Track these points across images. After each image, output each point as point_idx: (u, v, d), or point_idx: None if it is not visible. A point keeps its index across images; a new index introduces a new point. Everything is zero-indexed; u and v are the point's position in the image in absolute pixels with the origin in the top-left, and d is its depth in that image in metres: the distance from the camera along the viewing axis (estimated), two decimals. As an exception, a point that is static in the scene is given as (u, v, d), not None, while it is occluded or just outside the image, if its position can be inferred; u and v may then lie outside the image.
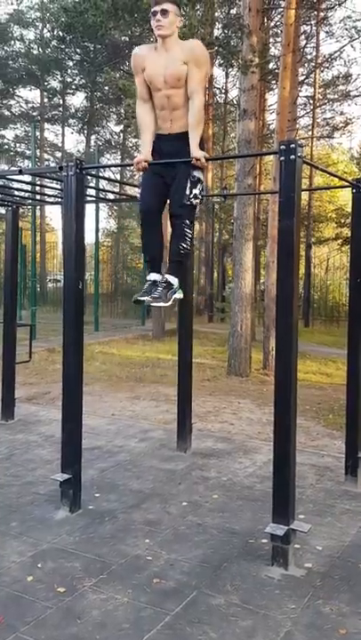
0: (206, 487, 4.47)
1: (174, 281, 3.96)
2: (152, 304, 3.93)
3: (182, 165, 3.78)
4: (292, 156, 3.12)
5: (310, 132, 22.50)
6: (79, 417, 3.98)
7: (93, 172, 5.47)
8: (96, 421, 6.25)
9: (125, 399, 7.63)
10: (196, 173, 3.84)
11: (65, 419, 3.96)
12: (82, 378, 4.02)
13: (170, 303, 3.93)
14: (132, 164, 3.91)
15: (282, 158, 3.15)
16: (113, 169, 27.08)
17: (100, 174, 6.25)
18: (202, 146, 3.81)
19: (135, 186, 4.88)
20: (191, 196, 3.83)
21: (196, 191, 3.83)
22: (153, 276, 4.00)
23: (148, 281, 3.99)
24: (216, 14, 18.57)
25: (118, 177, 26.33)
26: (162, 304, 3.88)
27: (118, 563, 3.27)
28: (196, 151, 3.70)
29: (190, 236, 3.93)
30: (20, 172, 4.31)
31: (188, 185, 3.81)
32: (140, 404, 7.35)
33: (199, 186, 3.86)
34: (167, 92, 3.76)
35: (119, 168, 27.18)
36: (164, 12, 3.65)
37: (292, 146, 3.12)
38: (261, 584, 3.08)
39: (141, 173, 4.02)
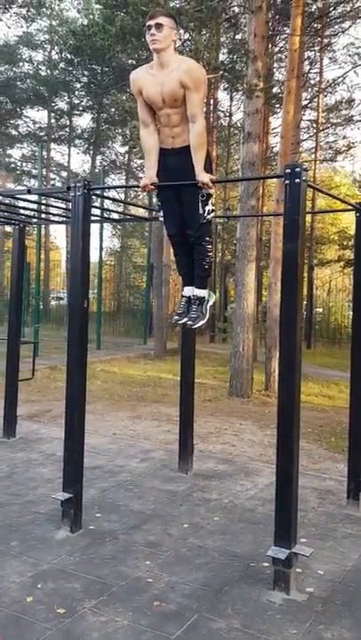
0: (207, 509, 4.44)
1: (204, 293, 4.18)
2: (194, 326, 4.21)
3: (190, 186, 3.83)
4: (297, 180, 3.16)
5: (313, 155, 22.74)
6: (81, 436, 3.98)
7: (99, 193, 5.53)
8: (97, 440, 6.23)
9: (127, 418, 7.61)
10: (205, 190, 3.88)
11: (67, 437, 3.95)
12: (85, 396, 4.02)
13: (207, 317, 4.20)
14: (139, 186, 3.97)
15: (287, 182, 3.19)
16: (117, 189, 27.33)
17: (105, 194, 6.32)
18: (209, 166, 3.85)
19: (140, 206, 4.95)
20: (205, 213, 3.91)
21: (208, 207, 3.90)
22: (187, 291, 4.24)
23: (183, 297, 4.26)
24: (222, 39, 18.90)
25: (123, 197, 26.57)
26: (202, 322, 4.15)
27: (119, 584, 3.24)
28: (201, 175, 3.74)
29: (210, 250, 4.09)
30: (29, 192, 4.37)
31: (200, 205, 3.87)
32: (141, 424, 7.33)
33: (210, 201, 3.93)
34: (167, 110, 3.79)
35: (123, 188, 27.43)
36: (159, 26, 3.62)
37: (298, 170, 3.17)
38: (263, 608, 3.05)
39: (155, 201, 4.17)
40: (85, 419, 4.08)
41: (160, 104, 3.78)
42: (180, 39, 16.62)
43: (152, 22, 3.64)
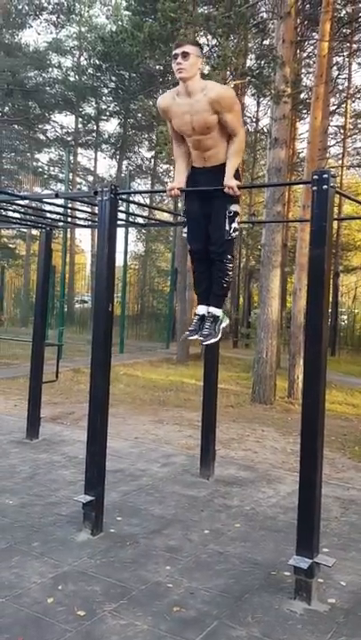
0: (228, 515, 4.42)
1: (219, 312, 4.14)
2: (205, 343, 4.19)
3: (218, 201, 3.87)
4: (325, 186, 3.14)
5: (340, 161, 22.57)
6: (104, 439, 3.99)
7: (126, 197, 5.56)
8: (119, 444, 6.25)
9: (149, 422, 7.62)
10: (233, 207, 3.92)
11: (90, 440, 3.97)
12: (108, 400, 4.04)
13: (219, 336, 4.15)
14: (165, 191, 4.00)
15: (314, 188, 3.17)
16: (143, 194, 27.43)
17: (131, 199, 6.35)
18: (237, 176, 3.87)
19: (165, 211, 4.98)
20: (231, 230, 3.93)
21: (234, 225, 3.92)
22: (201, 310, 4.20)
23: (197, 315, 4.20)
24: (249, 45, 18.90)
25: (148, 201, 26.67)
26: (213, 340, 4.13)
27: (139, 589, 3.24)
28: (231, 180, 3.76)
29: (231, 269, 4.07)
30: (57, 196, 4.42)
31: (227, 221, 3.90)
32: (163, 428, 7.33)
33: (236, 219, 3.94)
34: (197, 137, 3.84)
35: (149, 193, 27.58)
36: (185, 55, 3.66)
37: (325, 176, 3.15)
38: (283, 618, 3.02)
39: (180, 206, 4.15)
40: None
41: (190, 132, 3.85)
42: (208, 45, 16.67)
43: (179, 51, 3.68)
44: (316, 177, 3.17)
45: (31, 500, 4.51)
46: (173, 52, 3.71)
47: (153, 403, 9.13)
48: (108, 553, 3.66)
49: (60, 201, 6.09)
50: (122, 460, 5.66)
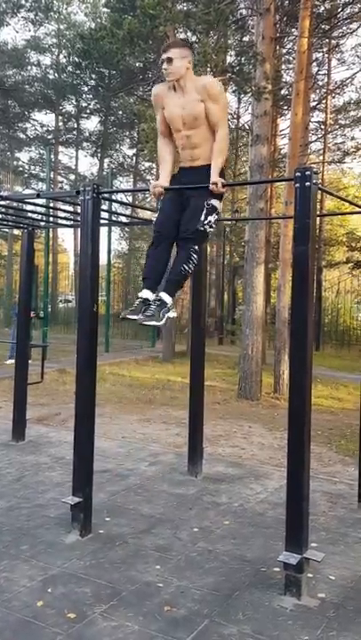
0: (217, 513, 4.42)
1: (169, 300, 3.79)
2: (144, 322, 3.71)
3: (200, 191, 3.81)
4: (308, 183, 3.15)
5: (322, 157, 22.68)
6: (91, 440, 3.97)
7: (108, 196, 5.53)
8: (106, 444, 6.23)
9: (136, 421, 7.61)
10: (212, 201, 3.83)
11: (77, 441, 3.95)
12: (94, 401, 4.02)
13: (162, 322, 3.75)
14: (149, 189, 3.97)
15: (297, 185, 3.18)
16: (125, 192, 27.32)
17: (114, 197, 6.31)
18: (222, 175, 3.86)
19: (147, 209, 4.91)
20: (205, 222, 3.81)
21: (211, 218, 3.83)
22: (145, 294, 3.82)
23: (139, 298, 3.82)
24: (229, 41, 18.89)
25: (130, 200, 26.58)
26: (154, 322, 3.71)
27: (129, 589, 3.23)
28: (214, 176, 3.75)
29: (195, 261, 3.85)
30: (38, 196, 4.38)
31: (205, 211, 3.80)
32: (150, 427, 7.32)
33: (215, 214, 3.86)
34: (186, 132, 3.87)
35: (131, 192, 27.51)
36: (169, 60, 3.79)
37: (308, 173, 3.15)
38: (274, 614, 3.03)
39: (160, 199, 4.04)
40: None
41: (180, 126, 3.87)
42: (188, 42, 16.65)
43: (164, 56, 3.84)
44: (298, 174, 3.18)
45: (18, 503, 4.48)
46: (161, 58, 3.88)
47: (140, 401, 9.11)
48: (97, 554, 3.65)
49: (42, 200, 6.05)
50: (109, 460, 5.64)
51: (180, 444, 6.13)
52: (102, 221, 6.24)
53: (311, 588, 3.29)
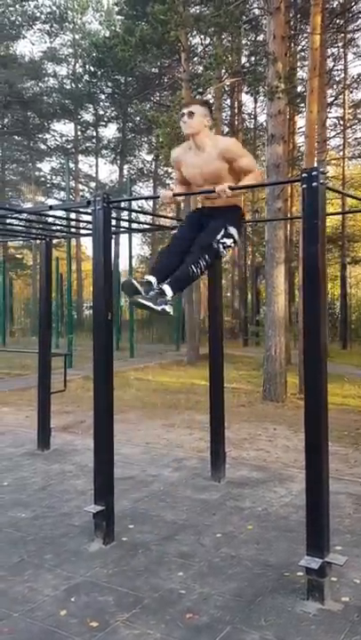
0: (241, 518, 4.40)
1: (169, 293, 3.72)
2: (140, 300, 3.65)
3: (220, 219, 3.99)
4: (315, 183, 3.12)
5: (342, 153, 22.46)
6: (111, 447, 3.99)
7: (121, 204, 5.56)
8: (130, 450, 6.25)
9: (160, 427, 7.62)
10: (232, 229, 3.98)
11: (96, 449, 3.98)
12: (112, 407, 4.04)
13: (157, 308, 3.65)
14: (158, 197, 4.03)
15: (304, 186, 3.15)
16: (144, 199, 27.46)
17: (129, 205, 6.35)
18: (241, 217, 4.14)
19: (161, 216, 4.96)
20: (221, 240, 3.92)
21: (226, 240, 3.94)
22: (150, 278, 3.81)
23: (142, 280, 3.81)
24: (243, 42, 18.85)
25: (151, 205, 26.68)
26: (151, 304, 3.63)
27: (151, 596, 3.24)
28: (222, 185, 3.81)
29: (203, 268, 3.90)
30: (51, 208, 4.42)
31: (222, 232, 3.93)
32: (174, 432, 7.33)
33: (231, 240, 3.98)
34: (207, 187, 3.95)
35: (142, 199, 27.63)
36: (190, 114, 3.94)
37: (314, 173, 3.12)
38: (297, 619, 3.00)
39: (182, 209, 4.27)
40: (118, 428, 4.10)
41: (200, 182, 4.05)
42: (202, 45, 16.65)
43: (185, 110, 3.99)
44: (305, 175, 3.15)
45: (43, 512, 4.52)
46: (181, 111, 4.04)
47: (164, 406, 9.13)
48: (120, 562, 3.66)
49: (59, 212, 6.10)
50: (133, 467, 5.66)
51: (204, 449, 6.12)
52: (121, 229, 6.30)
53: (335, 592, 3.25)
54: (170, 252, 4.03)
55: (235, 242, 4.03)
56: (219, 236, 3.90)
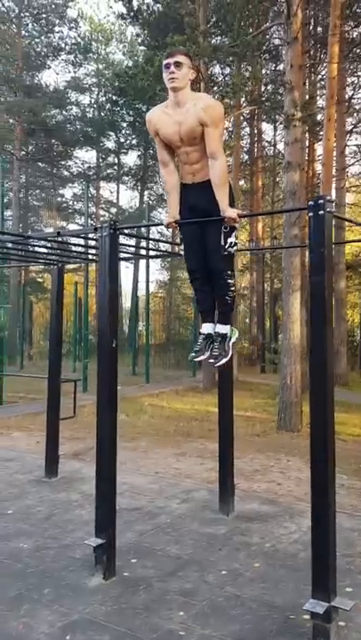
0: (248, 554, 4.25)
1: (227, 329, 4.05)
2: (216, 365, 4.03)
3: (214, 223, 3.82)
4: (321, 212, 3.05)
5: (361, 180, 22.42)
6: (113, 478, 3.91)
7: (128, 232, 5.56)
8: (139, 479, 6.13)
9: (171, 455, 7.49)
10: (227, 227, 3.83)
11: (98, 480, 3.90)
12: (115, 438, 3.96)
13: (230, 354, 4.03)
14: (163, 224, 4.00)
15: (310, 214, 3.09)
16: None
17: (135, 232, 6.35)
18: (232, 201, 3.81)
19: (164, 241, 4.93)
20: (227, 245, 3.84)
21: (231, 239, 3.83)
22: (206, 328, 4.11)
23: (202, 334, 4.10)
24: (263, 71, 19.06)
25: (170, 231, 26.82)
26: (224, 360, 3.99)
27: (149, 637, 3.11)
28: (228, 211, 3.69)
29: (233, 284, 4.00)
30: (58, 235, 4.42)
31: (222, 236, 3.81)
32: (185, 462, 7.19)
33: (233, 234, 3.86)
34: (185, 149, 3.77)
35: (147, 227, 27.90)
36: (178, 65, 3.60)
37: (321, 201, 3.06)
38: (301, 667, 2.85)
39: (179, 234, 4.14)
40: (128, 456, 4.02)
41: (178, 143, 3.78)
42: (222, 74, 16.87)
43: (171, 60, 3.62)
44: (311, 203, 3.09)
45: (46, 543, 4.42)
46: (165, 62, 3.64)
47: (176, 434, 8.99)
48: (119, 599, 3.54)
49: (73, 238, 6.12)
50: (140, 498, 5.54)
51: (214, 480, 5.96)
52: (125, 255, 6.29)
53: (342, 638, 3.08)
54: (199, 285, 4.15)
55: (235, 229, 3.88)
56: (223, 242, 3.79)
